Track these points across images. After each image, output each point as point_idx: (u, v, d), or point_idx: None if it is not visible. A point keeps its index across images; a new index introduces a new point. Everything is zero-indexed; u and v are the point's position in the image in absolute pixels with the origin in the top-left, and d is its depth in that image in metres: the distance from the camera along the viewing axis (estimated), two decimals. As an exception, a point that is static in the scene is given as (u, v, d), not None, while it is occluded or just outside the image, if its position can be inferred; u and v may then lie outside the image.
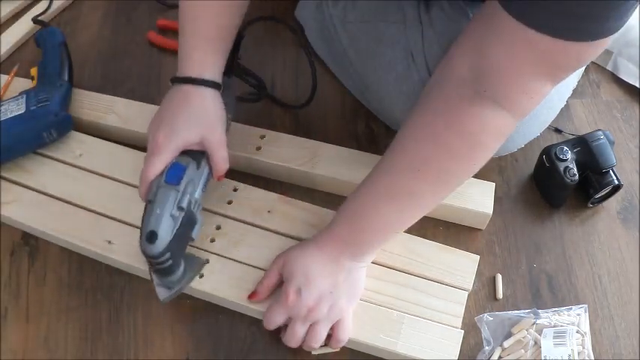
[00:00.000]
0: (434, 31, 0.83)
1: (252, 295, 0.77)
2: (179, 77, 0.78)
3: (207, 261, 0.81)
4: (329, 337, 0.75)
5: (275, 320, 0.74)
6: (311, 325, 0.74)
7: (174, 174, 0.74)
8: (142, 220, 0.73)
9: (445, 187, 0.73)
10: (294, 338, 0.74)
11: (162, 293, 0.77)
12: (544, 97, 0.68)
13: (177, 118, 0.76)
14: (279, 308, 0.74)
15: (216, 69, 0.79)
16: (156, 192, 0.73)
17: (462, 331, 0.76)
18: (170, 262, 0.73)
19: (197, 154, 0.76)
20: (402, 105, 0.87)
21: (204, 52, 0.79)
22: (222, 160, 0.78)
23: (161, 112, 0.78)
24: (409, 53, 0.85)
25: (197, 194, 0.75)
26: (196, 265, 0.80)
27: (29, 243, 0.88)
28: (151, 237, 0.70)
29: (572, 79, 0.94)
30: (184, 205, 0.73)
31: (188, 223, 0.74)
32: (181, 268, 0.77)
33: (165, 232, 0.71)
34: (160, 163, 0.74)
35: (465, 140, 0.69)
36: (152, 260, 0.72)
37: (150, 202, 0.73)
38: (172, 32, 1.09)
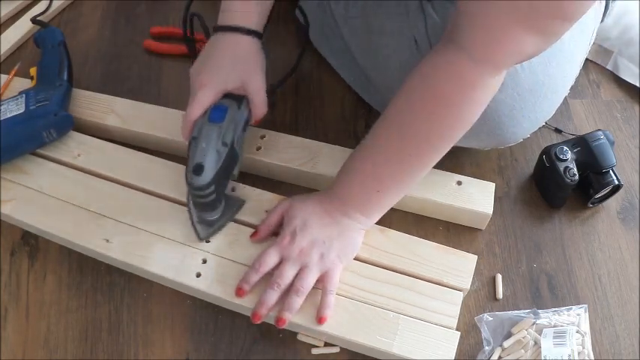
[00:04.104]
0: (438, 17, 0.84)
1: (254, 235, 0.80)
2: (224, 25, 0.81)
3: (244, 202, 0.84)
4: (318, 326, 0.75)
5: (268, 260, 0.76)
6: (300, 269, 0.75)
7: (217, 114, 0.77)
8: (188, 156, 0.76)
9: (427, 147, 0.74)
10: (282, 278, 0.75)
11: (202, 231, 0.81)
12: (525, 55, 0.66)
13: (220, 63, 0.80)
14: (273, 248, 0.76)
15: (259, 21, 0.83)
16: (200, 129, 0.77)
17: (458, 332, 0.75)
18: (214, 195, 0.77)
19: (237, 97, 0.80)
20: None
21: (248, 4, 0.82)
22: (261, 104, 0.82)
23: (204, 57, 0.81)
24: (413, 41, 0.86)
25: (239, 133, 0.79)
26: (235, 205, 0.84)
27: (29, 243, 0.88)
28: (197, 169, 0.74)
29: (575, 67, 0.93)
30: (228, 140, 0.76)
31: (231, 159, 0.78)
32: (222, 205, 0.81)
33: (211, 165, 0.75)
34: (203, 104, 0.78)
35: (430, 91, 0.70)
36: (197, 193, 0.76)
37: (194, 139, 0.76)
38: (167, 38, 1.08)
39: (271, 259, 0.76)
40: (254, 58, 0.82)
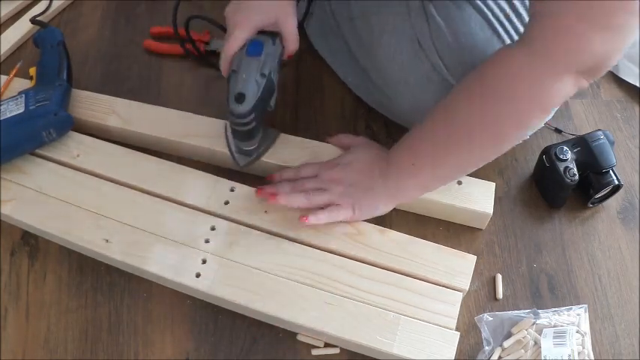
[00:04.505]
0: (440, 18, 0.84)
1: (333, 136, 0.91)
2: None
3: (280, 133, 0.91)
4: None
5: (307, 168, 0.85)
6: (320, 189, 0.82)
7: (254, 48, 0.82)
8: (229, 87, 0.81)
9: (476, 147, 0.76)
10: (302, 184, 0.83)
11: (241, 160, 0.88)
12: (596, 54, 0.65)
13: (254, 2, 0.84)
14: (316, 164, 0.86)
15: None
16: (239, 62, 0.81)
17: (458, 333, 0.75)
18: (254, 124, 0.82)
19: (271, 33, 0.85)
20: (409, 95, 0.88)
21: None
22: (294, 39, 0.86)
23: None
24: (415, 41, 0.86)
25: (275, 66, 0.84)
26: (272, 136, 0.90)
27: (29, 243, 0.88)
28: (239, 98, 0.80)
29: None
30: (266, 71, 0.81)
31: (268, 90, 0.83)
32: (259, 135, 0.87)
33: (252, 93, 0.80)
34: (240, 39, 0.83)
35: (491, 86, 0.72)
36: (239, 121, 0.81)
37: (234, 72, 0.81)
38: (167, 38, 1.08)
39: (308, 170, 0.85)
40: None
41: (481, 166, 0.79)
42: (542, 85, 0.69)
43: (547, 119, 0.75)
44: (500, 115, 0.73)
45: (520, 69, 0.70)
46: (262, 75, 0.81)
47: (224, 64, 0.84)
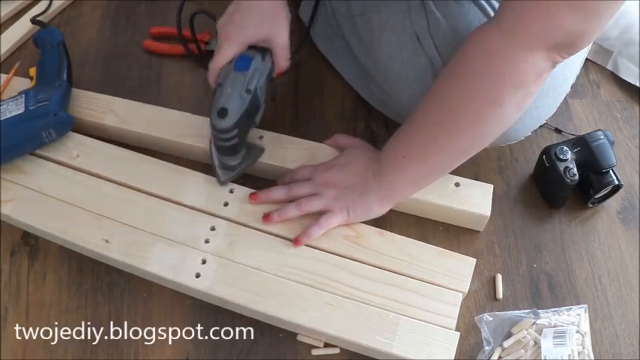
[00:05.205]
0: (440, 13, 0.84)
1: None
2: None
3: (264, 149, 0.89)
4: None
5: (302, 171, 0.85)
6: (313, 194, 0.82)
7: (242, 63, 0.81)
8: (213, 101, 0.80)
9: (460, 130, 0.75)
10: (296, 188, 0.83)
11: (223, 175, 0.86)
12: (564, 31, 0.65)
13: (247, 16, 0.83)
14: (311, 166, 0.85)
15: None
16: (226, 76, 0.81)
17: (458, 333, 0.76)
18: (236, 139, 0.81)
19: (262, 49, 0.84)
20: (409, 91, 0.88)
21: None
22: (284, 58, 0.86)
23: (232, 9, 0.85)
24: (415, 37, 0.86)
25: (262, 82, 0.83)
26: (255, 152, 0.88)
27: (29, 243, 0.88)
28: (222, 112, 0.78)
29: (576, 64, 0.93)
30: (252, 87, 0.81)
31: (253, 106, 0.82)
32: (242, 151, 0.85)
33: (235, 109, 0.79)
34: (229, 53, 0.82)
35: (471, 64, 0.72)
36: (221, 136, 0.80)
37: (220, 85, 0.81)
38: (167, 38, 1.08)
39: (303, 173, 0.85)
40: (279, 14, 0.85)
41: (468, 157, 0.78)
42: (513, 61, 0.69)
43: (525, 102, 0.73)
44: (479, 93, 0.72)
45: (495, 46, 0.70)
46: (248, 91, 0.80)
47: (211, 77, 0.83)
